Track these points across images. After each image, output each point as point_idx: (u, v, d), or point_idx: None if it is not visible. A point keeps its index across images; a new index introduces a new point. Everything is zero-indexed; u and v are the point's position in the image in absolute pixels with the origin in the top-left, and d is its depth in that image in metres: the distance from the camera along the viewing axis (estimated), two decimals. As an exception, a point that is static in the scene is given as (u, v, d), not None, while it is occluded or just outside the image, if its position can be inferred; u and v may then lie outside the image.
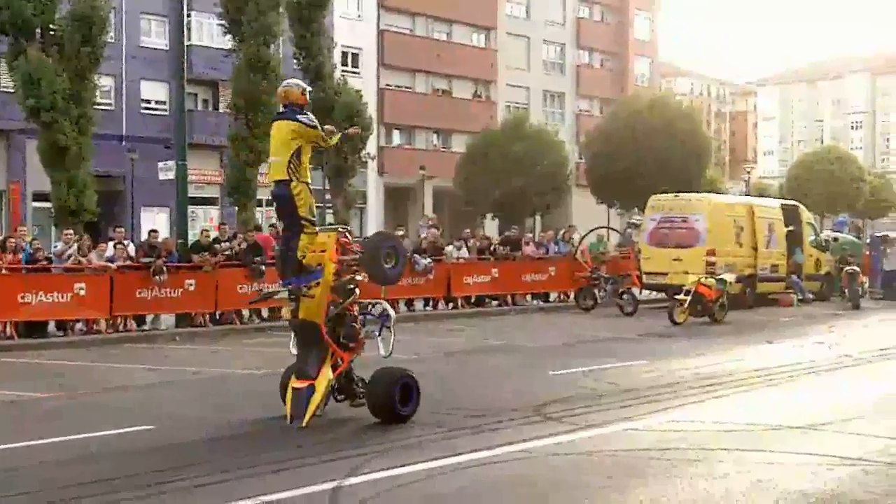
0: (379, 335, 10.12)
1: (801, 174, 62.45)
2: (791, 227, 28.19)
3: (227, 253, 20.81)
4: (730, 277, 22.36)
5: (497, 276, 25.42)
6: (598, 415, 10.12)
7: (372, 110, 38.16)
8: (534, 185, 36.95)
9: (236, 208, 29.30)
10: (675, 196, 27.34)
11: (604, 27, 63.69)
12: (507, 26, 57.12)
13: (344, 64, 44.87)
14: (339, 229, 10.45)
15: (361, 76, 47.04)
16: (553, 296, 27.51)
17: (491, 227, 41.72)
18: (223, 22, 29.49)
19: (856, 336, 18.90)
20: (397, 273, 10.33)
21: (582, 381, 12.66)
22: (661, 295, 25.24)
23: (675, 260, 25.00)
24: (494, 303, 25.63)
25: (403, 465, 7.78)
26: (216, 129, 38.39)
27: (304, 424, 9.32)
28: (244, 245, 20.99)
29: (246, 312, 20.94)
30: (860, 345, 17.20)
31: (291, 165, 9.62)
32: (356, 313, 10.09)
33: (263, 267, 20.14)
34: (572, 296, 26.48)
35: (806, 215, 30.15)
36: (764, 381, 12.82)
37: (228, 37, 29.68)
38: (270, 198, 10.18)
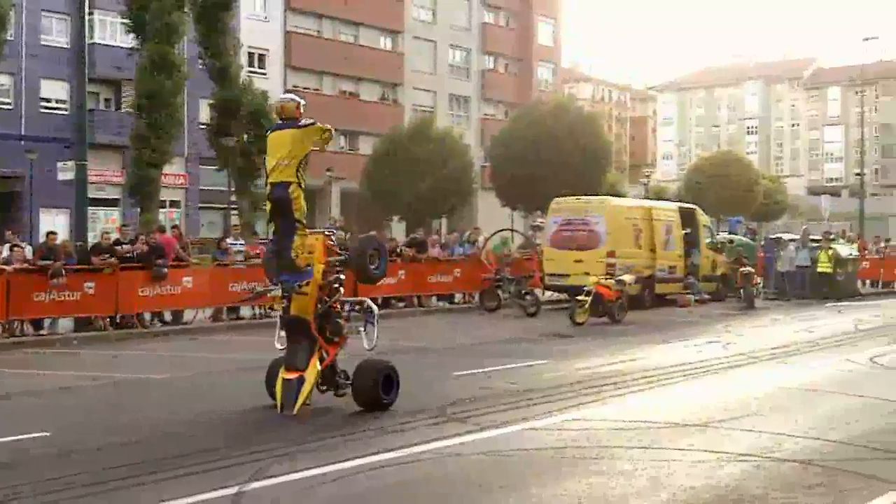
0: (363, 330, 10.97)
1: (698, 178, 63.87)
2: (688, 230, 28.86)
3: (128, 255, 20.45)
4: (629, 278, 22.79)
5: (403, 277, 25.54)
6: (500, 415, 10.19)
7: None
8: (440, 188, 37.26)
9: (138, 210, 28.92)
10: (577, 199, 27.77)
11: (508, 32, 64.41)
12: (414, 30, 57.43)
13: (250, 65, 44.64)
14: (326, 233, 11.16)
15: (268, 77, 46.81)
16: (458, 297, 27.77)
17: (398, 228, 41.90)
18: (126, 20, 29.12)
19: (750, 335, 19.25)
20: (381, 273, 11.27)
21: (485, 381, 12.73)
22: (563, 296, 25.64)
23: (576, 261, 25.39)
24: (401, 304, 25.78)
25: (309, 468, 7.78)
26: (118, 129, 37.83)
27: (294, 412, 9.89)
28: (146, 247, 20.68)
29: (147, 315, 20.71)
30: (754, 344, 17.58)
31: (300, 170, 10.28)
32: (340, 310, 10.83)
33: (166, 269, 19.98)
34: (477, 297, 26.80)
35: (702, 218, 30.84)
36: (661, 379, 13.04)
37: (132, 35, 29.31)
38: (267, 200, 10.69)
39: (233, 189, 33.88)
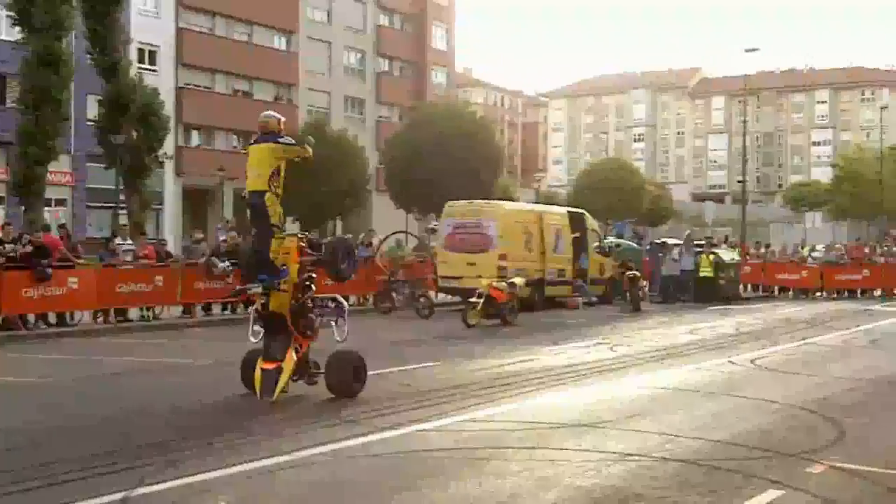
0: (335, 324, 12.05)
1: (587, 183, 65.03)
2: (577, 234, 29.41)
3: (11, 255, 19.72)
4: (520, 281, 23.11)
5: (296, 279, 25.45)
6: (392, 417, 10.18)
7: (169, 109, 37.44)
8: (335, 190, 37.18)
9: (23, 208, 28.16)
10: (469, 203, 28.02)
11: (403, 36, 64.59)
12: (309, 30, 57.14)
13: (141, 61, 43.83)
14: (299, 235, 12.22)
15: (159, 74, 46.04)
16: (352, 299, 27.74)
17: (292, 230, 41.63)
18: (12, 13, 28.33)
19: (636, 337, 19.60)
20: (351, 270, 12.26)
21: (378, 383, 12.61)
22: (456, 298, 25.87)
23: (469, 264, 25.62)
24: (294, 306, 25.65)
25: (200, 472, 7.67)
26: (3, 125, 36.72)
27: (273, 399, 10.79)
28: (30, 247, 20.00)
29: (31, 318, 20.15)
30: (640, 346, 18.01)
31: (272, 180, 11.15)
32: (312, 306, 11.80)
33: (49, 270, 19.50)
34: (371, 299, 26.85)
35: (591, 222, 31.43)
36: (551, 381, 13.21)
37: (17, 29, 28.52)
38: (248, 207, 11.60)
39: (121, 188, 33.22)
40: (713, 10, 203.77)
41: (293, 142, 11.61)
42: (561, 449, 8.76)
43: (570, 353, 16.75)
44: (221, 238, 25.81)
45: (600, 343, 18.37)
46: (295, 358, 11.26)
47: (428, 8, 65.56)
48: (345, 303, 12.35)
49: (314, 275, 12.00)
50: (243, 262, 12.16)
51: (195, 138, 51.81)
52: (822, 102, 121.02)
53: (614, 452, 8.55)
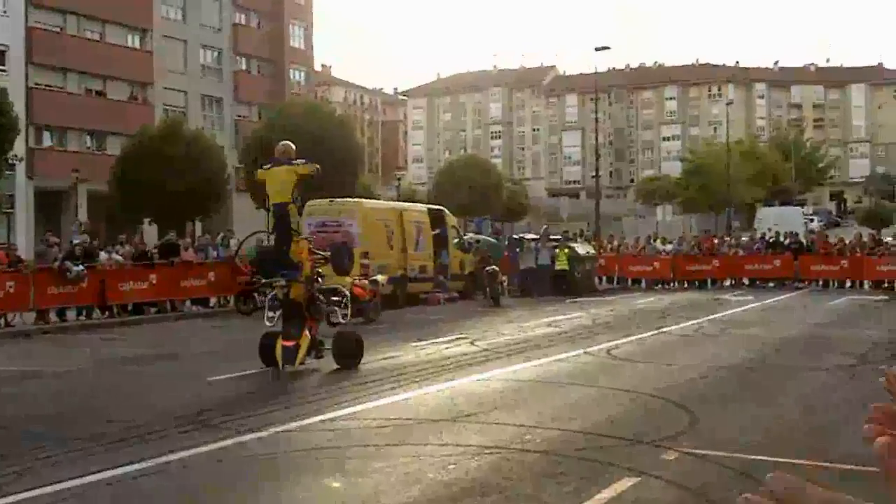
0: (337, 309, 15.00)
1: (446, 180, 65.46)
2: (437, 231, 29.72)
3: None
4: (382, 278, 23.22)
5: (155, 281, 25.00)
6: (254, 419, 10.13)
7: (20, 110, 36.14)
8: (193, 190, 36.54)
9: None
10: (330, 202, 27.90)
11: (260, 34, 63.79)
12: (164, 28, 55.87)
13: (-12, 60, 42.21)
14: (307, 239, 14.83)
15: (8, 74, 44.37)
16: (213, 300, 27.44)
17: (150, 232, 40.72)
18: None
19: (496, 332, 19.90)
20: (350, 266, 16.43)
21: (240, 385, 12.74)
22: (319, 296, 25.82)
23: (332, 264, 25.62)
24: (153, 309, 25.20)
25: (58, 482, 7.50)
26: None
27: (294, 368, 13.46)
28: None
29: None
30: (499, 339, 18.36)
31: (294, 193, 13.77)
32: (319, 295, 14.51)
33: None
34: (232, 300, 26.58)
35: (450, 219, 31.76)
36: (413, 376, 13.40)
37: None
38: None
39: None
40: (565, 9, 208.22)
41: (304, 161, 14.08)
42: (423, 444, 8.90)
43: (432, 349, 16.95)
44: (76, 241, 25.16)
45: (461, 338, 18.62)
46: (308, 336, 13.73)
47: (285, 6, 64.94)
48: (347, 292, 15.60)
49: (321, 270, 14.74)
50: (264, 260, 15.20)
51: (47, 139, 50.13)
52: (671, 99, 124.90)
53: (475, 446, 8.73)
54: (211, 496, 7.40)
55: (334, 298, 15.09)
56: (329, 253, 15.04)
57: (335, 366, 14.03)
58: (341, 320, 14.90)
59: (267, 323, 14.21)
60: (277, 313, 14.31)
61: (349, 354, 14.20)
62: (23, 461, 8.28)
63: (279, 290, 14.13)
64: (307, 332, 13.83)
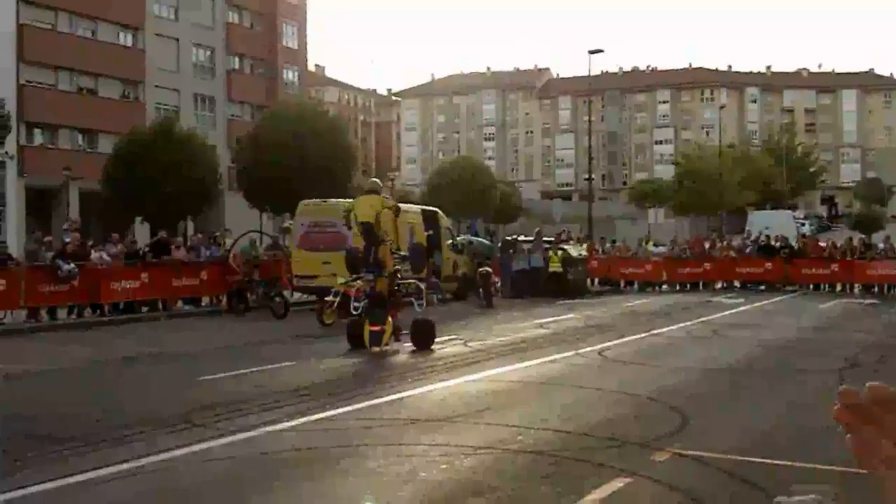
0: (415, 301, 17.56)
1: (440, 181, 65.45)
2: (430, 232, 29.72)
3: None
4: (375, 280, 23.24)
5: (147, 280, 24.94)
6: (246, 418, 10.10)
7: (11, 107, 36.05)
8: (185, 189, 36.50)
9: None
10: (323, 202, 27.88)
11: (253, 34, 63.75)
12: (156, 27, 55.79)
13: (-23, 57, 42.08)
14: (388, 242, 17.14)
15: None
16: (205, 300, 27.40)
17: (142, 230, 40.64)
18: None
19: (489, 332, 19.96)
20: (425, 265, 19.31)
21: (232, 385, 12.66)
22: (312, 297, 25.83)
23: (324, 263, 25.45)
24: (145, 308, 25.15)
25: (46, 481, 7.47)
26: None
27: (380, 349, 16.02)
28: None
29: None
30: (492, 340, 18.38)
31: (378, 217, 16.93)
32: (399, 288, 17.58)
33: None
34: (224, 300, 26.55)
35: (444, 220, 31.73)
36: (406, 377, 13.44)
37: None
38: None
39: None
40: (559, 12, 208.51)
41: (389, 196, 18.72)
42: (415, 444, 8.91)
43: (425, 350, 16.91)
44: (67, 239, 25.02)
45: (454, 338, 18.62)
46: (391, 322, 16.47)
47: (279, 6, 64.93)
48: (422, 286, 17.90)
49: (400, 268, 17.59)
50: (352, 260, 17.55)
51: (38, 137, 50.02)
52: (664, 102, 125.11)
53: (467, 446, 8.73)
54: (199, 496, 7.37)
55: (414, 290, 17.96)
56: (406, 253, 18.08)
57: (413, 347, 16.51)
58: (418, 310, 17.32)
59: (353, 312, 16.93)
60: (363, 303, 16.80)
61: (424, 337, 16.63)
62: (10, 461, 8.25)
63: (367, 284, 16.89)
64: (390, 319, 16.58)
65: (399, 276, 17.60)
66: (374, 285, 16.73)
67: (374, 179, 18.96)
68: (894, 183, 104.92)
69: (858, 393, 1.16)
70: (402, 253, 17.79)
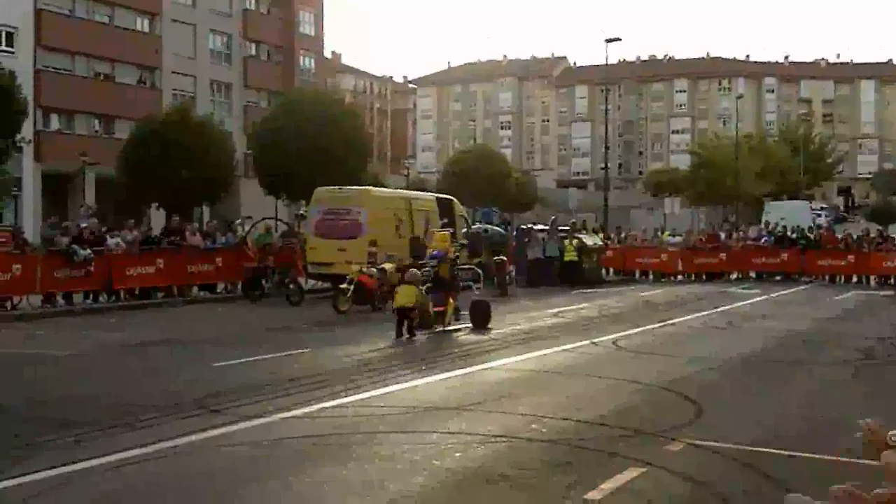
0: (473, 284, 20.21)
1: (455, 170, 65.37)
2: (446, 220, 29.69)
3: None
4: (390, 267, 23.15)
5: (162, 266, 24.99)
6: (260, 405, 10.10)
7: (28, 92, 36.13)
8: (201, 176, 36.53)
9: None
10: (339, 189, 27.89)
11: (270, 20, 63.69)
12: (173, 12, 55.79)
13: (-4, 43, 42.22)
14: (449, 231, 20.23)
15: (16, 56, 44.29)
16: (220, 286, 27.43)
17: (158, 217, 40.72)
18: None
19: (503, 320, 19.80)
20: (482, 250, 24.13)
21: (246, 371, 12.68)
22: (327, 284, 25.83)
23: (339, 250, 25.54)
24: (160, 294, 25.21)
25: (61, 465, 7.50)
26: None
27: (443, 328, 17.77)
28: None
29: None
30: (507, 329, 18.36)
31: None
32: (458, 273, 19.48)
33: None
34: (240, 286, 26.59)
35: (459, 209, 31.76)
36: (420, 365, 13.42)
37: None
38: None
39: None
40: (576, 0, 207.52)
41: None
42: (429, 432, 8.91)
43: (440, 338, 17.02)
44: (83, 225, 25.07)
45: (468, 327, 18.59)
46: (452, 303, 18.23)
47: (295, -8, 64.93)
48: (480, 271, 20.84)
49: (459, 255, 19.75)
50: (415, 249, 20.64)
51: (55, 122, 50.15)
52: (681, 91, 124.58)
53: (481, 434, 8.73)
54: (212, 482, 7.35)
55: (469, 274, 20.12)
56: (466, 241, 20.74)
57: (471, 325, 18.12)
58: (476, 292, 19.51)
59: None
60: (426, 286, 18.05)
61: (482, 318, 18.32)
62: (23, 445, 8.27)
63: (431, 268, 18.66)
64: (451, 300, 18.23)
65: (457, 260, 19.55)
66: (437, 270, 18.43)
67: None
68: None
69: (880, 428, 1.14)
70: (462, 241, 20.37)
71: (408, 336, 16.64)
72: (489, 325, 18.09)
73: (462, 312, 18.63)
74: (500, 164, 68.42)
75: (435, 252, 19.05)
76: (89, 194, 46.08)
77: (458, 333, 17.58)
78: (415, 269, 18.82)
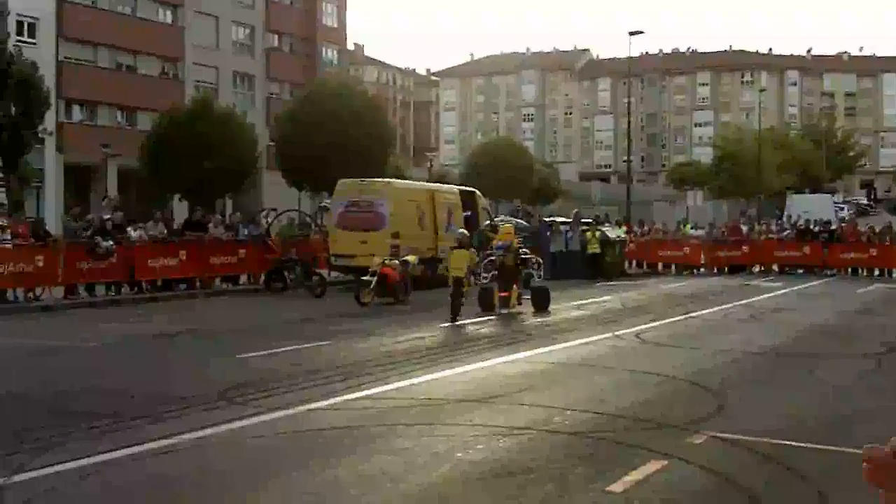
0: (534, 273, 21.01)
1: (478, 162, 65.22)
2: (468, 212, 29.69)
3: None
4: (413, 259, 23.18)
5: (184, 258, 25.02)
6: (283, 396, 10.13)
7: (50, 83, 36.32)
8: (223, 167, 36.65)
9: None
10: (362, 181, 27.88)
11: (293, 11, 63.65)
12: (195, 4, 55.85)
13: (19, 33, 42.37)
14: (513, 223, 20.98)
15: (39, 47, 44.43)
16: (243, 278, 27.49)
17: (181, 208, 40.89)
18: None
19: (527, 314, 19.98)
20: (545, 243, 28.17)
21: (269, 363, 12.69)
22: (349, 276, 25.87)
23: (362, 242, 25.54)
24: (183, 286, 25.27)
25: (80, 458, 7.49)
26: None
27: (506, 312, 19.69)
28: None
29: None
30: (531, 322, 18.49)
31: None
32: (521, 262, 20.72)
33: None
34: (262, 278, 26.66)
35: (482, 201, 31.72)
36: (443, 357, 13.47)
37: None
38: None
39: (0, 165, 32.13)
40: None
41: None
42: (452, 424, 8.92)
43: (463, 330, 17.06)
44: (106, 216, 25.12)
45: (490, 319, 18.69)
46: (516, 289, 20.15)
47: (318, -16, 64.87)
48: (540, 260, 21.82)
49: (522, 245, 21.65)
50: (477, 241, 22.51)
51: (77, 113, 50.37)
52: (704, 85, 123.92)
53: (504, 426, 8.74)
54: (234, 473, 7.38)
55: (531, 264, 21.23)
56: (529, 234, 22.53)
57: (532, 309, 19.98)
58: (537, 280, 20.89)
59: (483, 281, 20.43)
60: (491, 274, 20.23)
61: (543, 302, 20.36)
62: (46, 436, 8.29)
63: (498, 259, 20.33)
64: (515, 287, 20.18)
65: (520, 251, 20.97)
66: (503, 259, 20.18)
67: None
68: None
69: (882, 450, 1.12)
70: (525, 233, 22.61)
71: (453, 319, 17.85)
72: (547, 308, 20.20)
73: (525, 297, 20.40)
74: (522, 156, 68.18)
75: (501, 243, 20.71)
76: (111, 186, 46.27)
77: (521, 316, 19.75)
78: (464, 231, 21.95)
